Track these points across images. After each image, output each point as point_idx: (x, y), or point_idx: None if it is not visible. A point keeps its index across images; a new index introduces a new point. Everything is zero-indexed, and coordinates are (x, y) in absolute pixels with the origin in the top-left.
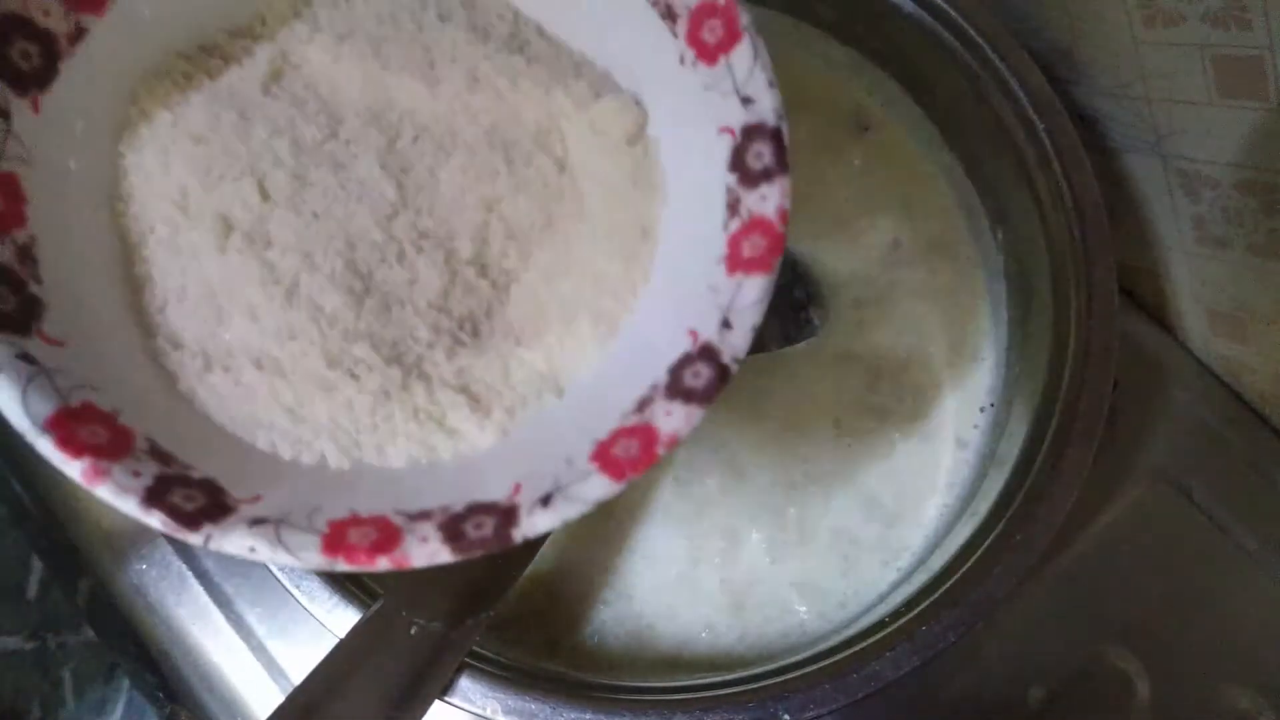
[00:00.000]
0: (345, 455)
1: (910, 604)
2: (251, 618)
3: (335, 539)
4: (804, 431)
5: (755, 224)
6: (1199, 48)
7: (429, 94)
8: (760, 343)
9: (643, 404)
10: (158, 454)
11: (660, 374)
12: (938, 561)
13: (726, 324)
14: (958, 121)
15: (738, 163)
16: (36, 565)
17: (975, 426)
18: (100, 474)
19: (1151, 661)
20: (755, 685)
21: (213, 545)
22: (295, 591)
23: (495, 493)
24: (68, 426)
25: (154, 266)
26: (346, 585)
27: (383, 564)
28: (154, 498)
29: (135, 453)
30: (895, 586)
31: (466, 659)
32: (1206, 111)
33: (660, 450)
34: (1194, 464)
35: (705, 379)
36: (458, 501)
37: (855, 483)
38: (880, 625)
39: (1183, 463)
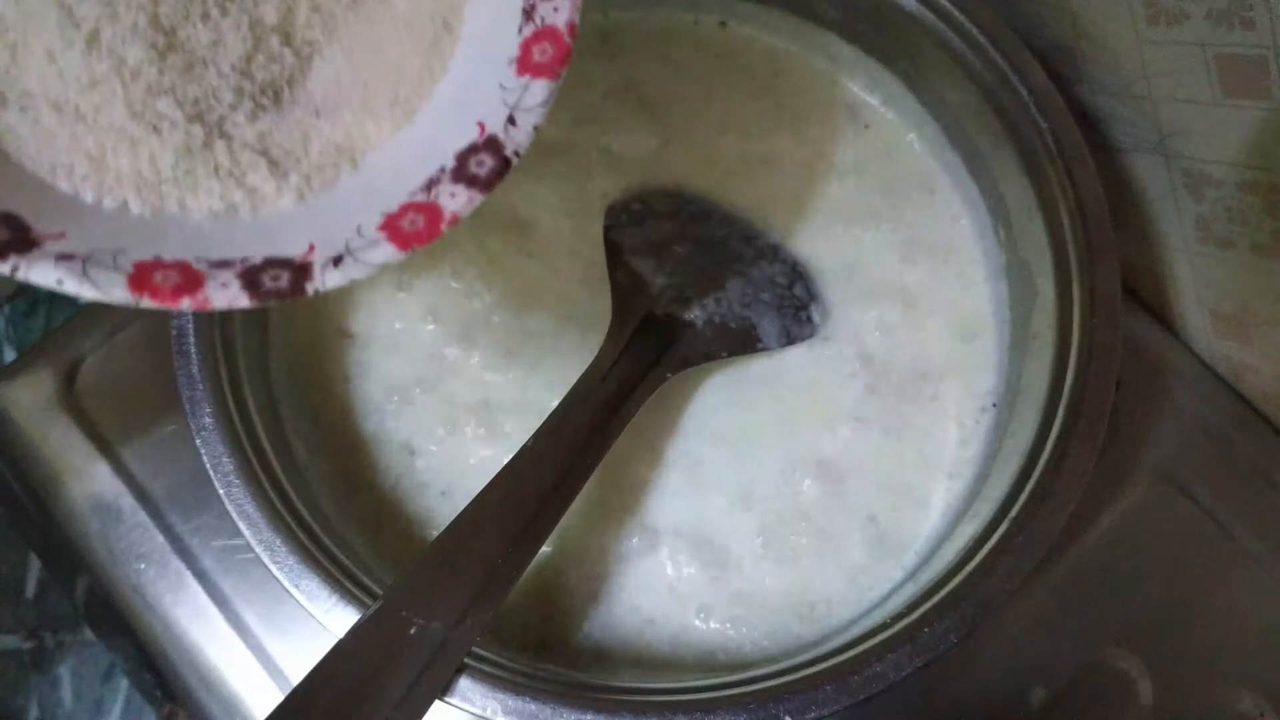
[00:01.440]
0: (147, 204)
1: (912, 605)
2: (250, 617)
3: (140, 279)
4: (803, 431)
5: (546, 32)
6: (1202, 47)
7: None
8: (761, 342)
9: (430, 184)
10: None
11: (449, 159)
12: (940, 562)
13: (512, 120)
14: (960, 120)
15: None
16: (34, 564)
17: (977, 426)
18: (205, 303)
19: (1153, 662)
20: (756, 686)
21: (19, 275)
22: (294, 591)
23: (291, 250)
24: None
25: None
26: (346, 585)
27: (185, 304)
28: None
29: None
30: (897, 587)
31: (466, 659)
32: (1210, 111)
33: (443, 227)
34: (1196, 464)
35: (488, 168)
36: (257, 255)
37: (856, 483)
38: (882, 626)
39: (1185, 463)
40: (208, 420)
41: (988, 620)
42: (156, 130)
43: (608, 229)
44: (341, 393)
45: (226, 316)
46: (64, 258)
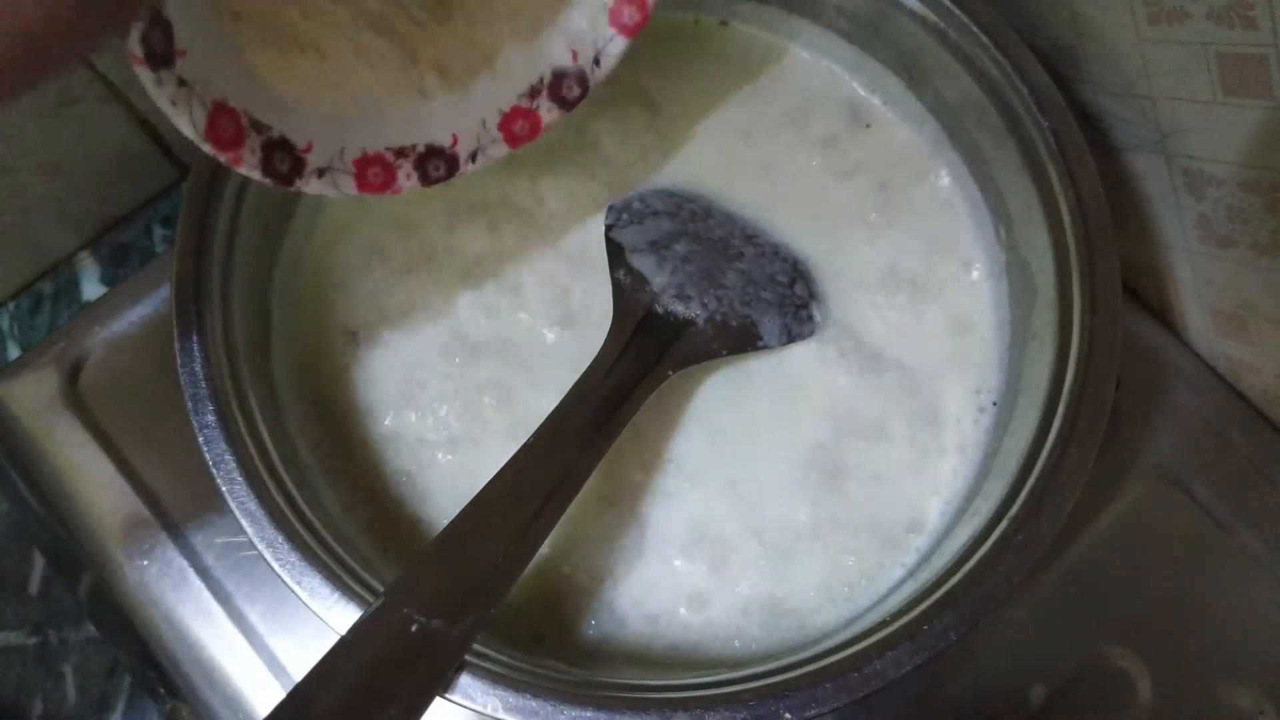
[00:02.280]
0: (359, 108)
1: (912, 603)
2: (253, 614)
3: (361, 178)
4: (804, 429)
5: (635, 1)
6: (1203, 46)
7: None
8: (762, 340)
9: (533, 93)
10: (255, 125)
11: (547, 73)
12: (939, 561)
13: (597, 61)
14: (961, 119)
15: None
16: (38, 561)
17: (977, 425)
18: (239, 160)
19: (1153, 661)
20: (756, 684)
21: (302, 189)
22: (296, 588)
23: (442, 140)
24: (214, 130)
25: None
26: (348, 583)
27: (389, 192)
28: (267, 166)
29: (246, 132)
30: (897, 585)
31: (467, 657)
32: (1211, 110)
33: (541, 131)
34: (1196, 463)
35: (575, 93)
36: (421, 143)
37: (855, 482)
38: (882, 624)
39: (1185, 462)
40: (210, 418)
41: (987, 618)
42: (366, 52)
43: (608, 228)
44: (344, 391)
45: (229, 314)
46: (321, 172)
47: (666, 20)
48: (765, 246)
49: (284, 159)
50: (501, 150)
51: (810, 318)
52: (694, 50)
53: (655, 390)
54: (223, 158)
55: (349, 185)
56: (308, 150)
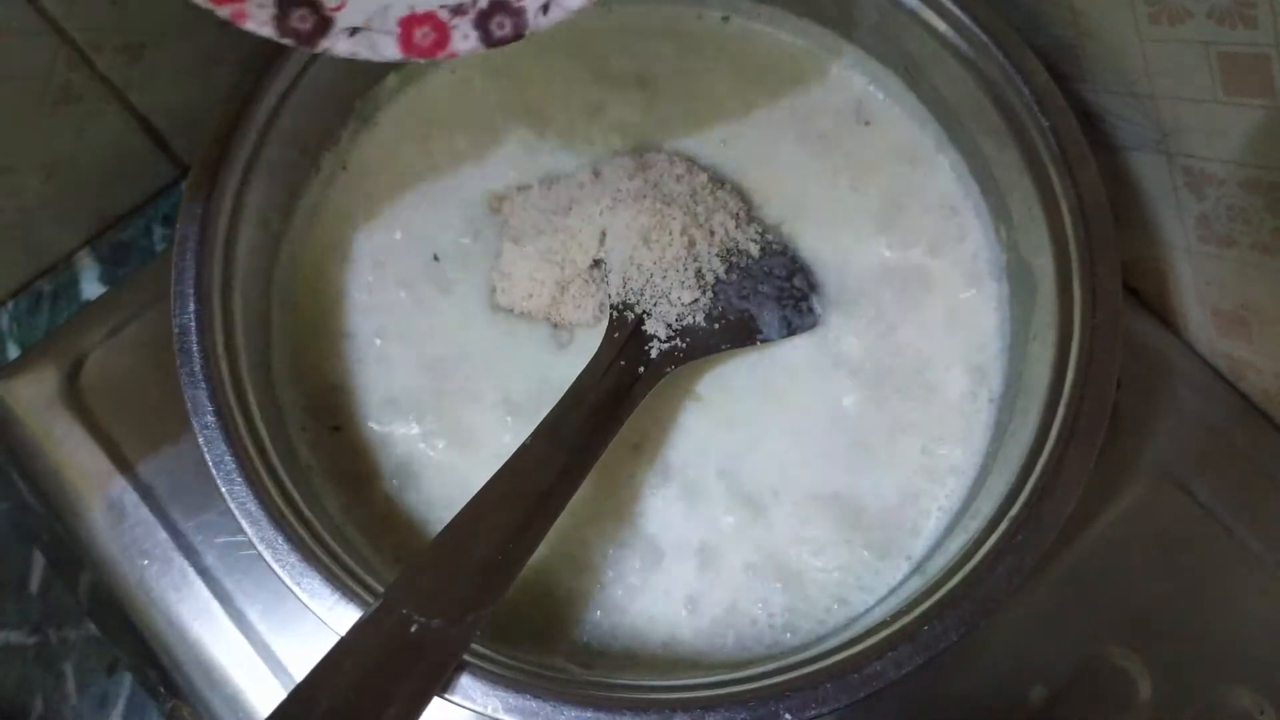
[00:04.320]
0: None
1: (912, 603)
2: (253, 614)
3: (406, 38)
4: (803, 429)
5: None
6: (1204, 45)
7: None
8: (761, 333)
9: None
10: None
11: None
12: (940, 560)
13: (545, 9)
14: (961, 118)
15: None
16: (39, 560)
17: (977, 424)
18: (242, 15)
19: (1153, 660)
20: (757, 684)
21: (329, 51)
22: (295, 589)
23: None
24: None
25: None
26: (347, 583)
27: (441, 54)
28: (281, 24)
29: None
30: (898, 585)
31: (467, 657)
32: (1212, 109)
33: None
34: (1197, 463)
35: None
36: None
37: (857, 480)
38: (882, 624)
39: (1186, 461)
40: (210, 418)
41: (988, 618)
42: None
43: None
44: (343, 391)
45: (229, 314)
46: (354, 31)
47: (669, 14)
48: (763, 240)
49: (306, 16)
50: (580, 2)
51: (811, 309)
52: (696, 45)
53: (653, 389)
54: (222, 11)
55: (390, 47)
56: (339, 8)
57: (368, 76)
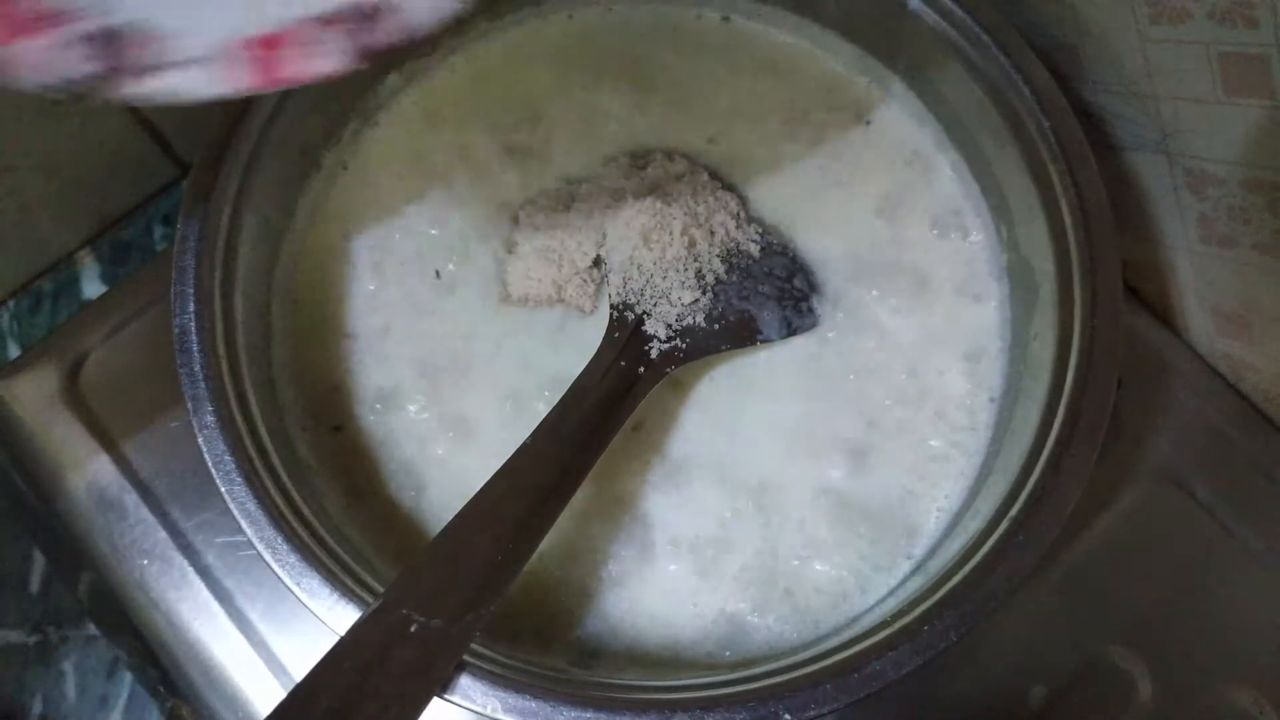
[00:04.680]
0: None
1: (913, 603)
2: (253, 613)
3: (260, 62)
4: (803, 429)
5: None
6: (1205, 45)
7: None
8: (761, 334)
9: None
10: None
11: None
12: (940, 561)
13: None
14: (961, 118)
15: None
16: (38, 559)
17: (978, 424)
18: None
19: (1153, 660)
20: (756, 684)
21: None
22: (295, 589)
23: None
24: None
25: None
26: (347, 583)
27: (308, 76)
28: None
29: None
30: (898, 585)
31: (467, 657)
32: (1212, 109)
33: None
34: (1197, 463)
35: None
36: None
37: (857, 480)
38: (883, 624)
39: (1186, 462)
40: (210, 418)
41: (988, 618)
42: None
43: None
44: (343, 392)
45: (229, 314)
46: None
47: (669, 14)
48: (763, 240)
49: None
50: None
51: (811, 310)
52: (696, 45)
53: (653, 388)
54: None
55: (223, 79)
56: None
57: (369, 76)
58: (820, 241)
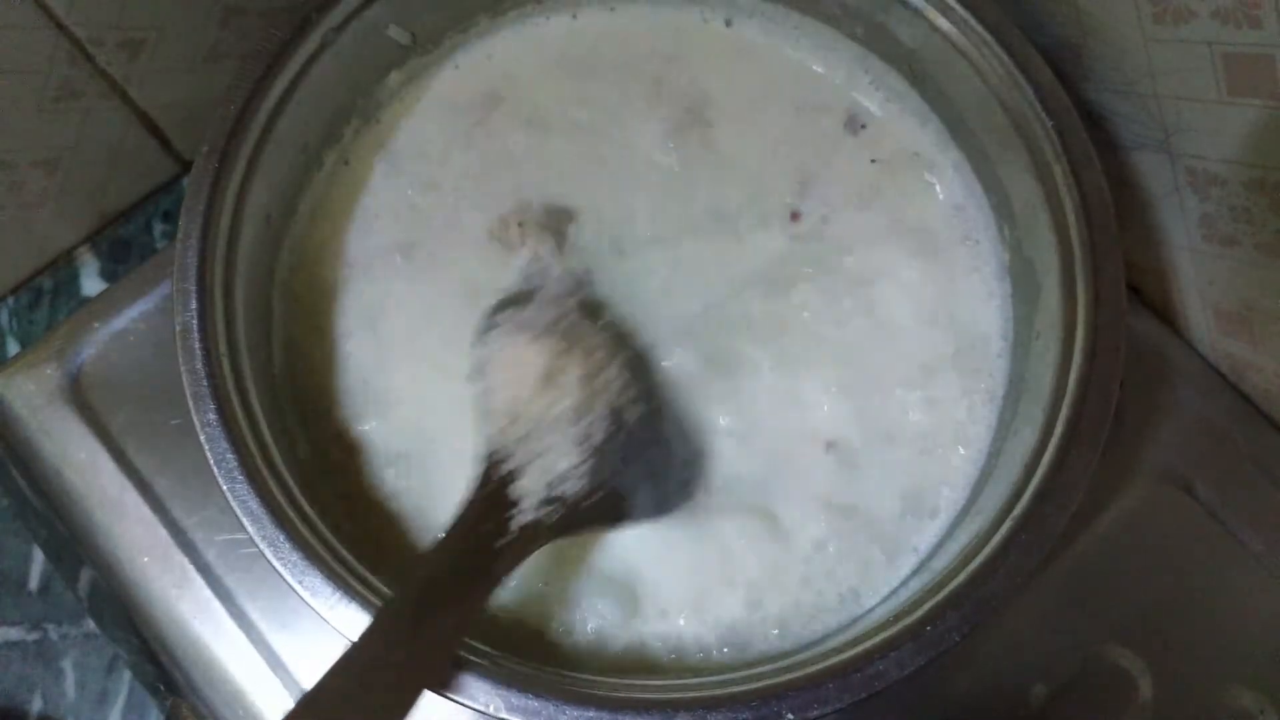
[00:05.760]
0: None
1: (915, 603)
2: (253, 612)
3: None
4: (807, 430)
5: None
6: (1208, 45)
7: None
8: (632, 515)
9: None
10: None
11: None
12: (943, 561)
13: None
14: (964, 117)
15: None
16: (38, 557)
17: (980, 424)
18: None
19: (1154, 660)
20: (759, 684)
21: None
22: (297, 587)
23: None
24: None
25: None
26: (349, 581)
27: None
28: None
29: None
30: (900, 585)
31: (469, 656)
32: (1215, 109)
33: None
34: (1198, 462)
35: None
36: None
37: (860, 482)
38: (885, 624)
39: (1187, 461)
40: (212, 415)
41: (991, 618)
42: None
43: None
44: (345, 389)
45: (230, 311)
46: None
47: (672, 19)
48: (650, 402)
49: None
50: None
51: (687, 489)
52: (699, 47)
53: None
54: None
55: None
56: None
57: (371, 74)
58: (820, 239)
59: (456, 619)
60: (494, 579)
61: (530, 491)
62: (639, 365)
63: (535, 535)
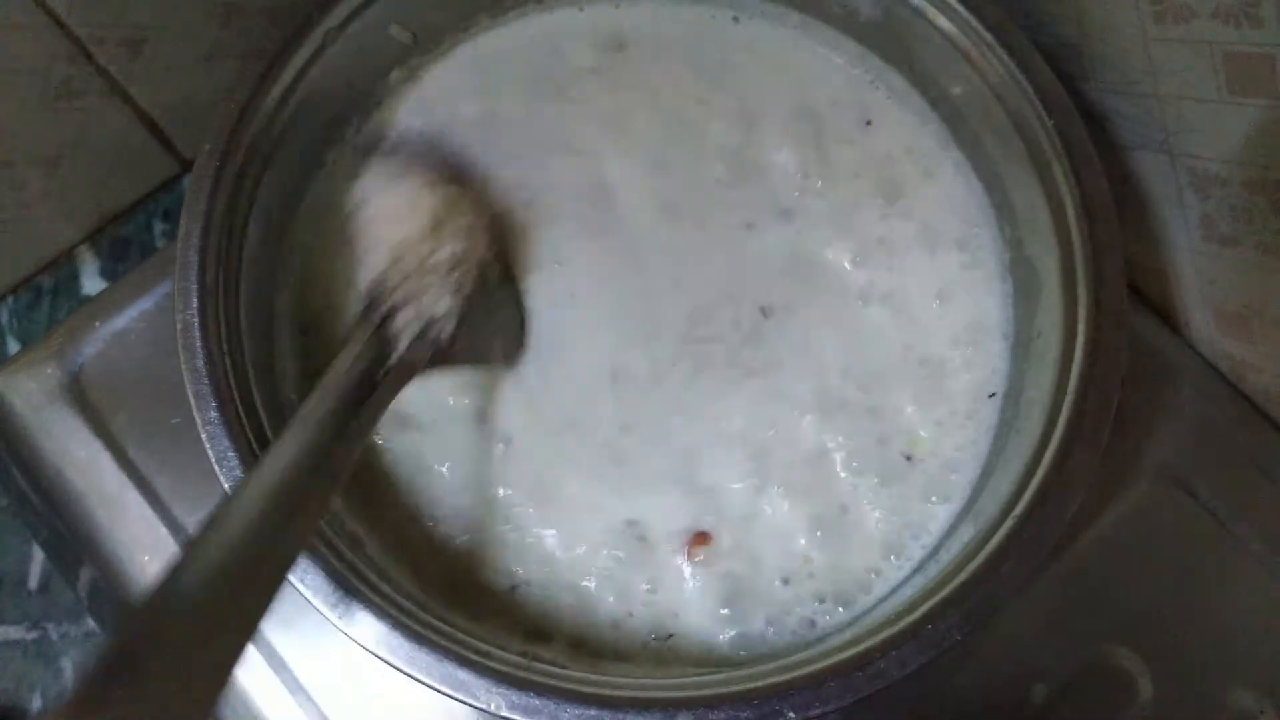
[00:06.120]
0: None
1: (916, 602)
2: None
3: None
4: (808, 429)
5: None
6: (1209, 45)
7: None
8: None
9: None
10: None
11: None
12: (944, 559)
13: None
14: (965, 117)
15: None
16: (38, 556)
17: (980, 423)
18: None
19: (1155, 660)
20: (760, 682)
21: None
22: (298, 585)
23: None
24: None
25: None
26: (351, 580)
27: None
28: None
29: None
30: (901, 584)
31: (469, 655)
32: (1216, 109)
33: None
34: (1199, 463)
35: None
36: None
37: (860, 482)
38: (886, 623)
39: (1187, 461)
40: (213, 414)
41: (992, 617)
42: None
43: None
44: None
45: (231, 310)
46: None
47: (679, 15)
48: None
49: None
50: None
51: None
52: (704, 45)
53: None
54: None
55: None
56: None
57: (372, 73)
58: (822, 239)
59: (345, 450)
60: (375, 409)
61: (405, 329)
62: (498, 227)
63: (411, 369)
